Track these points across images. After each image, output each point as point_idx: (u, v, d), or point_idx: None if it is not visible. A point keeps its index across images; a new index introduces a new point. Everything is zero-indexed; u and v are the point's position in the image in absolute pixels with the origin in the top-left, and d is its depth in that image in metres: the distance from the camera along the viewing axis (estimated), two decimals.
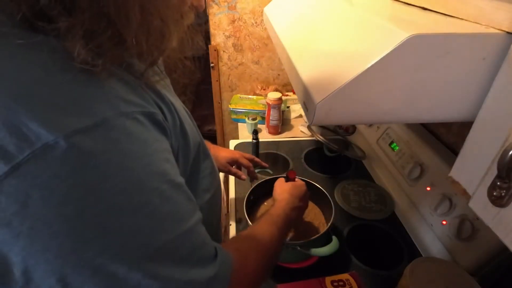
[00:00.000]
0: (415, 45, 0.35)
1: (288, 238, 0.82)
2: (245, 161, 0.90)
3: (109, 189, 0.28)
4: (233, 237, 0.61)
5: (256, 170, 0.94)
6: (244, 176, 0.90)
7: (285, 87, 1.71)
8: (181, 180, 0.37)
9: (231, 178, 1.10)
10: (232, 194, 1.03)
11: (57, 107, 0.26)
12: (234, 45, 1.58)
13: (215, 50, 1.58)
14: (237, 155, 0.90)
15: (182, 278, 0.34)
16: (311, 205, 0.92)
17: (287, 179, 0.78)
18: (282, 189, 0.72)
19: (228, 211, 0.99)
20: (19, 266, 0.27)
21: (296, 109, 1.50)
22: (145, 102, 0.33)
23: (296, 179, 0.79)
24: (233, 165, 0.90)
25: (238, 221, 0.92)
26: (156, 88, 0.37)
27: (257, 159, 0.93)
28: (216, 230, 0.59)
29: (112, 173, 0.28)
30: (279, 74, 1.68)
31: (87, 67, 0.28)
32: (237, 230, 0.88)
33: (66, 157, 0.26)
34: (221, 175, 1.14)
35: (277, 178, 0.78)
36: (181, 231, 0.34)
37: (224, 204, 1.06)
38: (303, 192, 0.72)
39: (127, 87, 0.32)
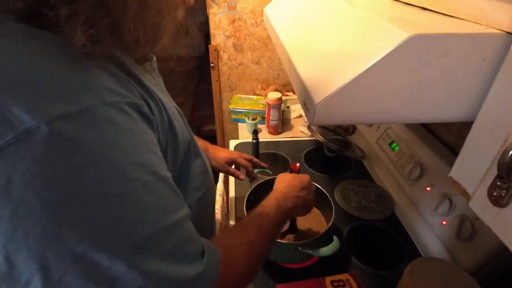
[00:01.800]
0: (415, 45, 0.35)
1: (289, 239, 0.82)
2: (243, 161, 0.90)
3: (91, 176, 0.28)
4: (222, 232, 0.59)
5: (256, 171, 0.94)
6: (242, 176, 0.90)
7: (285, 87, 1.71)
8: (167, 174, 0.36)
9: (231, 178, 1.10)
10: (232, 194, 1.03)
11: (41, 93, 0.27)
12: (234, 45, 1.58)
13: (215, 50, 1.58)
14: (235, 155, 0.90)
15: (167, 274, 0.33)
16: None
17: (291, 171, 0.78)
18: (281, 180, 0.70)
19: (228, 211, 0.99)
20: (1, 252, 0.27)
21: (296, 109, 1.50)
22: (131, 94, 0.33)
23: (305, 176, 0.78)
24: (231, 165, 0.91)
25: (238, 221, 0.92)
26: (144, 83, 0.37)
27: (255, 159, 0.93)
28: (210, 229, 0.59)
29: (94, 160, 0.28)
30: (279, 74, 1.68)
31: (87, 51, 0.29)
32: None
33: (48, 142, 0.26)
34: (221, 175, 1.14)
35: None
36: (166, 224, 0.34)
37: (224, 204, 1.06)
38: (304, 182, 0.69)
39: (114, 79, 0.32)
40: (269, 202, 0.61)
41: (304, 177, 0.71)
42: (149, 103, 0.36)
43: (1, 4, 0.29)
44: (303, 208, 0.68)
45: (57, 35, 0.29)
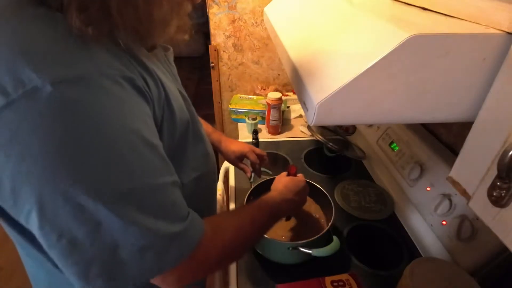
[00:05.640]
0: (415, 45, 0.35)
1: (288, 239, 0.82)
2: (252, 157, 0.91)
3: (84, 131, 0.33)
4: (217, 214, 0.62)
5: (253, 174, 0.95)
6: (249, 174, 0.92)
7: (285, 87, 1.71)
8: (156, 142, 0.40)
9: (231, 179, 1.10)
10: (232, 194, 1.03)
11: (49, 61, 0.32)
12: (234, 45, 1.58)
13: (215, 50, 1.58)
14: (247, 149, 0.91)
15: (147, 226, 0.37)
16: (310, 206, 0.92)
17: (288, 174, 0.78)
18: (279, 181, 0.73)
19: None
20: (8, 185, 0.33)
21: (296, 109, 1.50)
22: (127, 70, 0.38)
23: (298, 176, 0.79)
24: (242, 159, 0.92)
25: None
26: (145, 63, 0.41)
27: (265, 158, 0.94)
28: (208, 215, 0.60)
29: (87, 118, 0.33)
30: (279, 74, 1.68)
31: (81, 34, 0.34)
32: None
33: (50, 99, 0.31)
34: (221, 175, 1.14)
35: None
36: (150, 184, 0.38)
37: (224, 204, 1.06)
38: (299, 187, 0.72)
39: (113, 56, 0.37)
40: (267, 200, 0.64)
41: (300, 182, 0.74)
42: (146, 80, 0.40)
43: None
44: (294, 209, 0.74)
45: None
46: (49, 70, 0.32)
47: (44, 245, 0.36)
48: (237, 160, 0.91)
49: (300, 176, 0.77)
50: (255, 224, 0.56)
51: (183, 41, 0.49)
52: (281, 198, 0.66)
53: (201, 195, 0.57)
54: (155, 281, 0.42)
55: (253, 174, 0.95)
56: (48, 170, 0.32)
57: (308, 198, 0.92)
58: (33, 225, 0.34)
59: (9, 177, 0.32)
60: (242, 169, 0.93)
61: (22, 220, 0.35)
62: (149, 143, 0.38)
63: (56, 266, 0.38)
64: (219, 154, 0.94)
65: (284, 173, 0.78)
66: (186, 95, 0.54)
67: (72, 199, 0.33)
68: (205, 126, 0.87)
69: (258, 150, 0.93)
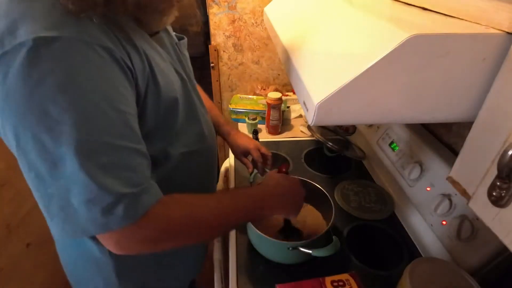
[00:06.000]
0: (415, 45, 0.35)
1: (288, 239, 0.82)
2: (256, 154, 0.92)
3: (53, 84, 0.38)
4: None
5: (256, 171, 0.95)
6: (250, 170, 0.93)
7: (285, 87, 1.71)
8: (126, 110, 0.44)
9: (232, 178, 1.10)
10: None
11: (38, 23, 0.39)
12: (234, 45, 1.58)
13: (215, 50, 1.58)
14: (252, 145, 0.92)
15: (94, 176, 0.41)
16: (310, 206, 0.92)
17: (279, 172, 0.79)
18: (272, 177, 0.72)
19: None
20: (0, 120, 0.41)
21: (296, 109, 1.50)
22: (109, 41, 0.43)
23: (295, 177, 0.79)
24: (247, 155, 0.93)
25: None
26: (134, 41, 0.47)
27: (269, 158, 0.94)
28: None
29: (55, 74, 0.38)
30: (279, 74, 1.68)
31: (65, 8, 0.40)
32: (237, 230, 0.88)
33: (29, 53, 0.38)
34: (221, 175, 1.15)
35: None
36: (106, 142, 0.42)
37: None
38: (293, 187, 0.70)
39: (99, 29, 0.42)
40: (247, 191, 0.64)
41: (295, 181, 0.72)
42: (129, 53, 0.45)
43: None
44: (285, 209, 0.69)
45: None
46: (35, 30, 0.38)
47: (25, 177, 0.43)
48: (241, 154, 0.93)
49: (293, 177, 0.76)
50: (220, 212, 0.55)
51: (193, 32, 0.58)
52: (267, 191, 0.65)
53: (192, 173, 0.62)
54: (102, 240, 0.46)
55: (254, 172, 0.95)
56: (20, 110, 0.39)
57: (308, 201, 0.92)
58: (16, 156, 0.43)
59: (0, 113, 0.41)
60: (244, 164, 0.94)
61: (13, 151, 0.43)
62: (115, 108, 0.43)
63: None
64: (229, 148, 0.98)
65: (273, 171, 0.78)
66: (187, 78, 0.61)
67: (37, 136, 0.40)
68: (217, 117, 0.91)
69: (263, 149, 0.93)
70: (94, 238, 0.58)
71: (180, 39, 0.66)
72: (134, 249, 0.48)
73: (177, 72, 0.59)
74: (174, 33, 0.68)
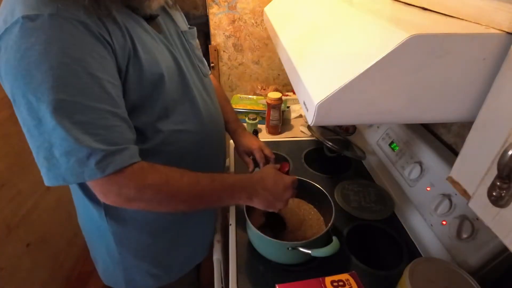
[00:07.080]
0: (415, 45, 0.35)
1: (288, 239, 0.82)
2: (258, 155, 0.91)
3: (36, 52, 0.46)
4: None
5: (257, 170, 0.95)
6: (250, 168, 0.92)
7: (285, 87, 1.71)
8: (103, 76, 0.50)
9: None
10: None
11: (29, 5, 0.47)
12: (234, 45, 1.58)
13: (215, 50, 1.58)
14: (254, 146, 0.92)
15: (72, 134, 0.48)
16: (310, 205, 0.92)
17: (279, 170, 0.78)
18: (263, 170, 0.73)
19: (228, 211, 0.99)
20: (6, 89, 0.51)
21: (296, 109, 1.50)
22: (88, 18, 0.49)
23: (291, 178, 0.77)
24: (250, 154, 0.93)
25: (238, 221, 0.92)
26: (115, 18, 0.53)
27: (271, 159, 0.93)
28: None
29: (37, 44, 0.46)
30: (279, 74, 1.68)
31: None
32: (237, 230, 0.88)
33: (19, 29, 0.46)
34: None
35: None
36: (83, 103, 0.48)
37: None
38: (271, 183, 0.69)
39: (78, 6, 0.49)
40: (234, 178, 0.67)
41: (286, 178, 0.71)
42: (109, 29, 0.52)
43: None
44: (260, 203, 0.68)
45: None
46: (23, 10, 0.46)
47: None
48: (244, 154, 0.93)
49: (292, 176, 0.75)
50: (196, 189, 0.59)
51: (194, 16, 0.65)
52: (250, 183, 0.67)
53: (186, 151, 0.67)
54: (91, 188, 0.54)
55: (255, 171, 0.95)
56: (14, 73, 0.47)
57: (308, 201, 0.93)
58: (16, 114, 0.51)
59: (3, 80, 0.50)
60: (245, 162, 0.93)
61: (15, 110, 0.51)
62: (89, 73, 0.49)
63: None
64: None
65: (272, 166, 0.78)
66: (190, 63, 0.70)
67: (25, 95, 0.47)
68: (227, 114, 0.93)
69: (266, 151, 0.92)
70: (94, 203, 0.68)
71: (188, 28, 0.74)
72: (114, 201, 0.55)
73: (171, 53, 0.65)
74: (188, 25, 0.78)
